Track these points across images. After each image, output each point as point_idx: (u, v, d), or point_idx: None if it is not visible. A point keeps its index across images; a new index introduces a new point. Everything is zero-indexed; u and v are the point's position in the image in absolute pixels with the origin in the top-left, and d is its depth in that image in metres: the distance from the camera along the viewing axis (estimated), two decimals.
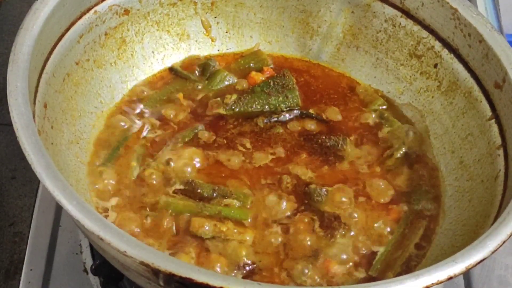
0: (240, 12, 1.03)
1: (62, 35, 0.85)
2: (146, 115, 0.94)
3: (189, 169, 0.87)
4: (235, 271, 0.79)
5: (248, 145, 0.92)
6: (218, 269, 0.78)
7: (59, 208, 0.96)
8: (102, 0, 0.91)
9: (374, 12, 0.99)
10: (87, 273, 0.90)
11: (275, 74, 0.99)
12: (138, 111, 0.94)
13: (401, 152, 0.93)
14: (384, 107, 0.99)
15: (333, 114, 0.97)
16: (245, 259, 0.80)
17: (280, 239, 0.82)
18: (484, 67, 0.88)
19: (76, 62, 0.88)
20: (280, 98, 0.96)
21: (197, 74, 1.00)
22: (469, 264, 0.65)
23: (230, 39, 1.04)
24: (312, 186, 0.87)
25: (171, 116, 0.94)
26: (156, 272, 0.62)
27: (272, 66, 1.02)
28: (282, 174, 0.89)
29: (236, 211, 0.83)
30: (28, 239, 0.94)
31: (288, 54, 1.05)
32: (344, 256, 0.81)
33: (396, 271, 0.81)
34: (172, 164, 0.87)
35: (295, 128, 0.95)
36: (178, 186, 0.85)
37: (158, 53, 1.00)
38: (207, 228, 0.81)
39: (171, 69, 1.00)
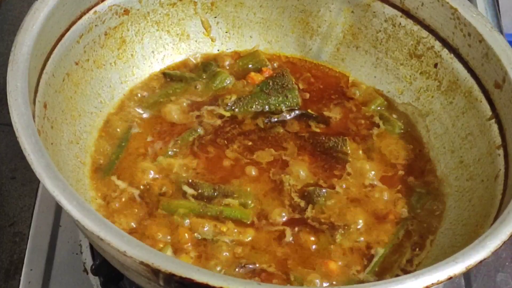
0: (240, 12, 1.03)
1: (62, 35, 0.85)
2: (146, 116, 0.94)
3: (189, 170, 0.87)
4: (235, 271, 0.79)
5: (249, 146, 0.92)
6: (218, 269, 0.78)
7: (59, 208, 0.96)
8: (102, 0, 0.91)
9: (374, 12, 0.99)
10: (87, 273, 0.90)
11: (274, 74, 0.99)
12: (137, 112, 0.94)
13: (401, 153, 0.93)
14: (384, 107, 0.99)
15: (333, 114, 0.97)
16: (246, 259, 0.80)
17: (280, 239, 0.82)
18: (484, 66, 0.88)
19: (76, 62, 0.88)
20: (280, 98, 0.96)
21: (198, 74, 1.00)
22: (469, 264, 0.65)
23: (230, 39, 1.04)
24: (312, 186, 0.87)
25: (171, 117, 0.94)
26: (156, 272, 0.62)
27: (270, 66, 1.02)
28: (283, 175, 0.89)
29: (238, 211, 0.83)
30: (28, 239, 0.94)
31: (288, 54, 1.05)
32: (344, 257, 0.81)
33: (394, 273, 0.81)
34: (172, 166, 0.87)
35: (295, 128, 0.95)
36: (191, 192, 0.85)
37: (158, 53, 1.00)
38: (206, 228, 0.81)
39: (165, 74, 0.99)
